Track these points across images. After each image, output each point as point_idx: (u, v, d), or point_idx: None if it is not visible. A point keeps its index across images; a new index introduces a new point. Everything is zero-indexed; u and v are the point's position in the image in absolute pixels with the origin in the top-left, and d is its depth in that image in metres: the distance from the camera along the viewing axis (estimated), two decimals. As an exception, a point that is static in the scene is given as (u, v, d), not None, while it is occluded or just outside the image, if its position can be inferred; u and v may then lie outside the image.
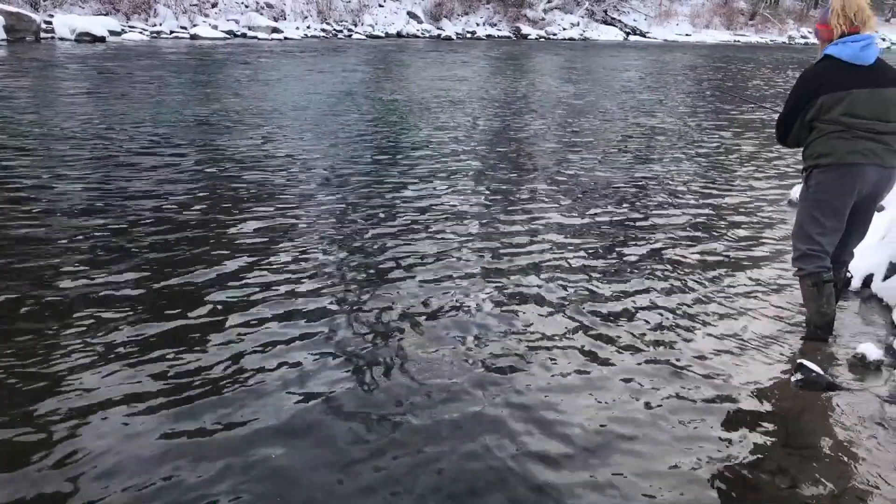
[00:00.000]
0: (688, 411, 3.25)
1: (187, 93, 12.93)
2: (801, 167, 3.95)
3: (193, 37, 28.60)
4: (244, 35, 30.45)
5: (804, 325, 4.02)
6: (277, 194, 6.44)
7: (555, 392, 3.35)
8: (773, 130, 4.09)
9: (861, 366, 3.62)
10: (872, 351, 3.63)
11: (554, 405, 3.24)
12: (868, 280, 4.71)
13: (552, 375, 3.50)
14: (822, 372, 3.44)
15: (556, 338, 3.90)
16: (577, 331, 4.00)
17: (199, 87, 13.94)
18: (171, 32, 29.06)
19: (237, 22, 31.84)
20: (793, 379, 3.45)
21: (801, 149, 3.89)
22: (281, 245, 5.13)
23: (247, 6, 33.85)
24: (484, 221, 5.91)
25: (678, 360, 3.72)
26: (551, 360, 3.65)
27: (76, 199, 6.07)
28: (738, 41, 42.51)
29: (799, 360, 3.52)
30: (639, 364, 3.66)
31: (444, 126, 10.35)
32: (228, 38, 29.26)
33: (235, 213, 5.84)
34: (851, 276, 4.64)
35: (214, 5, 32.87)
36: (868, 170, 3.66)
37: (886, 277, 4.58)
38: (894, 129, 3.66)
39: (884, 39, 41.56)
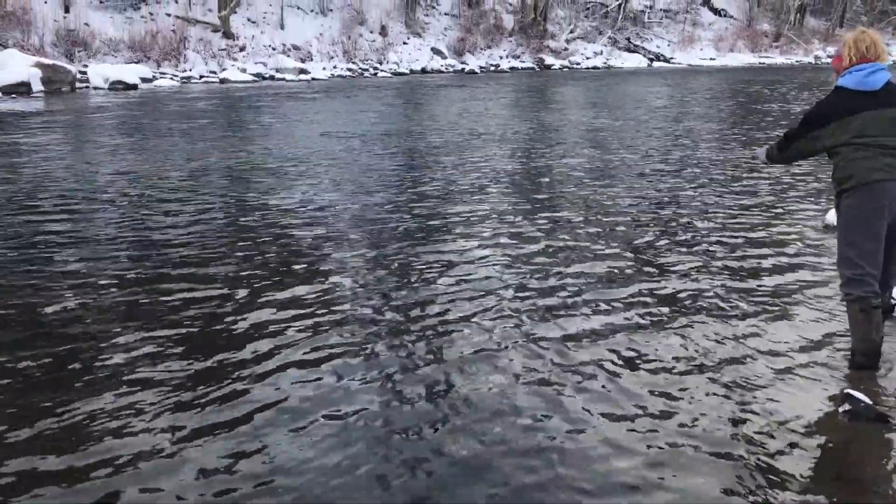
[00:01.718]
0: (734, 443, 3.18)
1: (216, 138, 13.15)
2: (833, 192, 4.07)
3: (223, 81, 29.19)
4: (272, 77, 31.02)
5: (851, 353, 3.92)
6: (306, 243, 6.40)
7: (594, 422, 3.29)
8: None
9: (910, 394, 3.52)
10: (922, 378, 3.53)
11: (595, 432, 3.19)
12: (912, 302, 4.59)
13: (591, 405, 3.45)
14: (870, 402, 3.35)
15: (593, 366, 3.85)
16: (622, 360, 3.94)
17: (229, 132, 14.19)
18: (201, 77, 29.71)
19: (265, 65, 32.49)
20: (841, 410, 3.37)
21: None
22: (312, 296, 5.08)
23: (274, 49, 34.54)
24: (516, 266, 5.80)
25: (724, 390, 3.64)
26: (588, 389, 3.60)
27: (103, 248, 6.16)
28: (763, 63, 42.37)
29: (846, 391, 3.43)
30: (684, 391, 3.60)
31: (472, 164, 10.35)
32: (257, 81, 29.83)
33: (267, 262, 5.86)
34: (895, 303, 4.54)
35: (242, 49, 33.58)
36: (893, 185, 3.73)
37: (931, 300, 4.46)
38: None
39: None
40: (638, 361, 3.98)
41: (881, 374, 3.79)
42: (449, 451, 3.12)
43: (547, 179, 9.28)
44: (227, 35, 33.63)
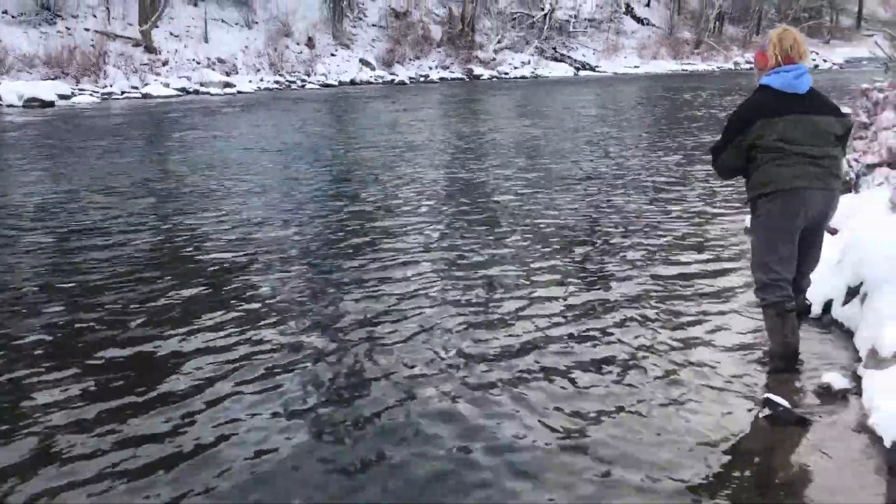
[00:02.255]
0: (652, 450, 3.18)
1: (138, 156, 12.75)
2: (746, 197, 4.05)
3: (145, 96, 28.44)
4: (196, 91, 30.36)
5: (769, 357, 3.98)
6: (233, 264, 6.20)
7: (508, 419, 3.26)
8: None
9: (827, 395, 3.60)
10: (838, 380, 3.61)
11: (509, 433, 3.15)
12: (828, 306, 4.71)
13: (511, 407, 3.41)
14: (789, 405, 3.41)
15: (522, 368, 3.82)
16: (532, 375, 3.92)
17: (152, 149, 13.82)
18: (123, 93, 28.86)
19: (189, 79, 31.77)
20: (761, 414, 3.41)
21: (734, 179, 4.15)
22: (239, 319, 4.93)
23: (198, 62, 33.84)
24: (448, 280, 5.74)
25: (646, 397, 3.66)
26: (508, 393, 3.57)
27: (20, 279, 5.89)
28: (686, 70, 43.47)
29: (766, 395, 3.48)
30: (605, 398, 3.60)
31: (404, 176, 10.27)
32: (181, 95, 29.14)
33: (194, 282, 5.69)
34: (811, 304, 4.65)
35: (165, 63, 32.79)
36: (811, 193, 3.77)
37: (845, 302, 4.58)
38: (826, 154, 3.80)
39: (825, 61, 42.83)
40: (563, 369, 3.97)
41: (799, 376, 3.86)
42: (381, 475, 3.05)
43: (479, 190, 9.27)
44: (149, 49, 32.81)
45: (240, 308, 5.02)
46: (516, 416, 3.51)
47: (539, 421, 3.46)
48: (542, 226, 7.25)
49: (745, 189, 4.04)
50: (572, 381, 3.87)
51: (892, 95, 8.26)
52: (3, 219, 7.88)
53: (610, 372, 3.97)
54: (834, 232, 5.74)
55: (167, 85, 30.43)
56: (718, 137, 4.01)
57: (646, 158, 11.71)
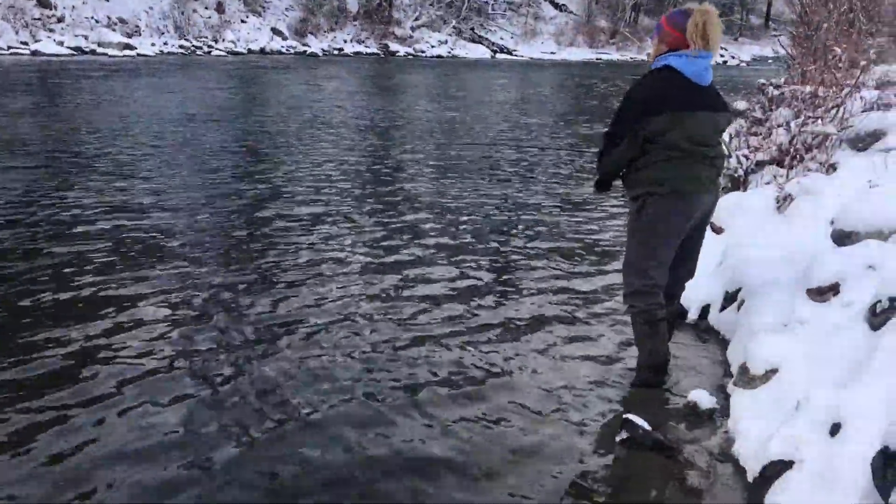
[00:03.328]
0: (497, 475, 2.82)
1: (18, 119, 11.69)
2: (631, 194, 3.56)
3: (35, 53, 26.65)
4: (93, 52, 28.67)
5: (637, 368, 3.66)
6: (125, 244, 5.59)
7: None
8: None
9: (693, 415, 3.29)
10: (704, 399, 3.31)
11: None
12: (705, 311, 4.45)
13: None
14: (649, 428, 3.08)
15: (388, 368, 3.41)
16: (389, 370, 3.51)
17: (34, 112, 12.71)
18: (10, 48, 26.96)
19: (86, 38, 29.98)
20: (617, 438, 3.07)
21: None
22: (137, 306, 4.44)
23: (97, 21, 31.97)
24: (355, 266, 5.34)
25: (487, 411, 3.29)
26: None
27: None
28: (601, 59, 43.83)
29: (625, 416, 3.14)
30: (462, 407, 3.22)
31: (311, 154, 9.67)
32: (75, 55, 27.46)
33: (86, 265, 5.09)
34: (687, 310, 4.39)
35: (61, 20, 30.85)
36: (704, 197, 3.45)
37: (723, 308, 4.33)
38: (719, 153, 3.52)
39: (733, 57, 43.89)
40: (427, 376, 3.57)
41: (666, 392, 3.56)
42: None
43: (389, 175, 8.73)
44: (43, 4, 30.77)
45: (126, 302, 4.47)
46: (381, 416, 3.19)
47: (379, 433, 3.05)
48: (445, 216, 6.82)
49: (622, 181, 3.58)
50: (432, 390, 3.48)
51: (787, 92, 8.17)
52: None
53: (459, 384, 3.58)
54: (720, 231, 5.53)
55: (61, 43, 28.64)
56: (610, 125, 3.45)
57: (552, 148, 11.41)
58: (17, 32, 28.71)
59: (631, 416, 3.12)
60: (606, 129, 3.47)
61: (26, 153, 8.77)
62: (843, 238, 3.89)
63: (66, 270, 4.90)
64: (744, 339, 3.65)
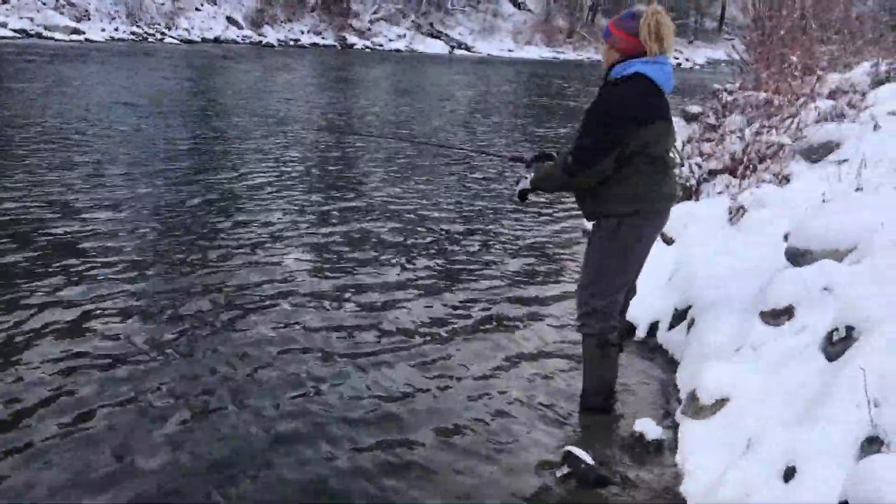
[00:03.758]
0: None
1: None
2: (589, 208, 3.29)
3: (-25, 35, 25.64)
4: (39, 35, 27.69)
5: (583, 392, 3.45)
6: (64, 246, 5.26)
7: None
8: None
9: (640, 447, 3.09)
10: (651, 429, 3.11)
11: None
12: (654, 328, 4.27)
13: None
14: (592, 462, 2.87)
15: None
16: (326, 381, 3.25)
17: None
18: (-52, 29, 25.93)
19: (31, 20, 28.95)
20: (558, 473, 2.86)
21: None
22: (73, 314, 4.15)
23: (44, 3, 30.90)
24: (302, 263, 5.19)
25: (412, 445, 3.04)
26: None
27: None
28: (558, 58, 43.88)
29: (566, 449, 2.93)
30: (377, 433, 2.96)
31: (263, 150, 9.34)
32: (19, 38, 26.48)
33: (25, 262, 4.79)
34: (634, 326, 4.21)
35: (6, 1, 29.75)
36: (669, 212, 3.33)
37: (672, 326, 4.15)
38: (676, 163, 3.39)
39: (687, 60, 44.30)
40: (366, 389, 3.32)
41: (610, 420, 3.35)
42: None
43: (341, 173, 8.44)
44: (-13, -16, 29.65)
45: (75, 288, 4.34)
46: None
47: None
48: (393, 216, 6.59)
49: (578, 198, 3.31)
50: (353, 416, 3.22)
51: (741, 98, 8.08)
52: None
53: (382, 408, 3.34)
54: (670, 241, 5.36)
55: (4, 25, 27.60)
56: (585, 139, 3.09)
57: (506, 147, 11.20)
58: (-43, 13, 27.62)
59: (573, 449, 2.90)
60: (580, 143, 3.10)
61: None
62: (797, 257, 3.72)
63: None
64: (693, 363, 3.47)
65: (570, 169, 3.13)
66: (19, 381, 3.34)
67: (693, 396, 3.13)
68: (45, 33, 28.07)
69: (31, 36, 27.49)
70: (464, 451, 3.02)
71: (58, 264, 4.78)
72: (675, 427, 3.18)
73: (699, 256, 4.53)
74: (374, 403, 3.35)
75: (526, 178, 3.43)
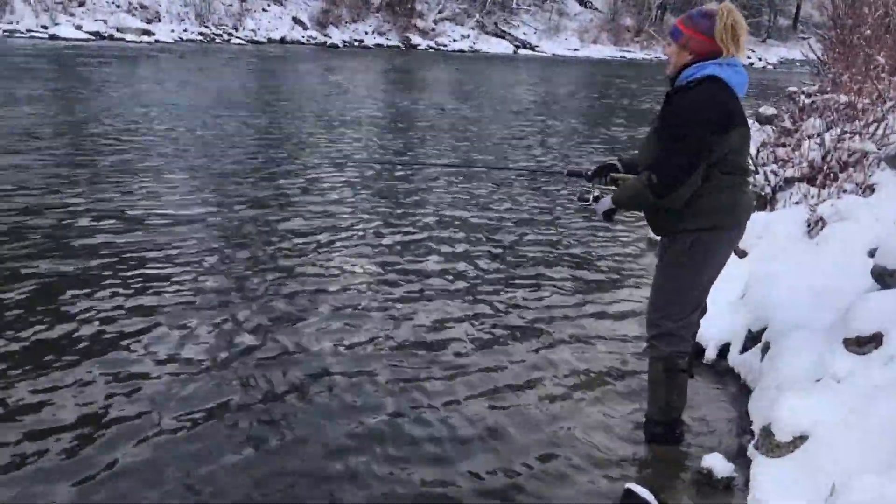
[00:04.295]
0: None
1: (36, 107, 11.32)
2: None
3: (52, 37, 26.48)
4: (111, 37, 28.46)
5: (646, 420, 3.21)
6: (140, 243, 5.34)
7: None
8: None
9: (707, 485, 2.85)
10: (720, 465, 2.87)
11: None
12: (724, 351, 3.99)
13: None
14: (653, 501, 2.64)
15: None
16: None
17: (53, 99, 12.36)
18: (28, 31, 26.80)
19: (105, 22, 29.77)
20: (618, 514, 2.64)
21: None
22: (150, 307, 4.27)
23: (118, 6, 31.73)
24: (368, 262, 5.21)
25: (466, 472, 2.84)
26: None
27: None
28: (625, 57, 43.11)
29: (626, 486, 2.70)
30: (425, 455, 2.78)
31: (329, 151, 9.32)
32: (93, 40, 27.25)
33: (85, 267, 4.80)
34: (703, 348, 3.94)
35: (81, 4, 30.65)
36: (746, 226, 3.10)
37: (745, 349, 3.86)
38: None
39: (760, 59, 43.02)
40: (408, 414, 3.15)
41: (677, 452, 3.11)
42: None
43: (405, 175, 8.31)
44: (64, -13, 30.59)
45: (141, 298, 4.34)
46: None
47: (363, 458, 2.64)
48: (455, 222, 6.48)
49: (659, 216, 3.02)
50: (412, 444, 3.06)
51: (819, 100, 7.65)
52: None
53: (443, 436, 3.16)
54: (743, 254, 5.06)
55: (79, 27, 28.46)
56: (669, 155, 2.82)
57: (573, 151, 10.91)
58: (37, 16, 28.54)
59: (633, 487, 2.68)
60: (665, 161, 2.83)
61: (35, 145, 8.38)
62: (885, 276, 3.40)
63: (63, 278, 4.55)
64: (768, 393, 3.20)
65: (657, 190, 2.85)
66: (90, 385, 3.33)
67: (768, 431, 2.86)
68: (117, 35, 28.81)
69: (104, 38, 28.26)
70: (514, 486, 2.81)
71: (123, 270, 4.77)
72: (747, 464, 2.92)
73: (775, 273, 4.22)
74: (421, 427, 3.18)
75: (604, 195, 3.16)
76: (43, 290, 4.34)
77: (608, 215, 3.15)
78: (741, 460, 2.97)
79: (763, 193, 5.91)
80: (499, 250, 5.82)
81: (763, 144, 7.82)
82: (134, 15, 31.40)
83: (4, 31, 26.06)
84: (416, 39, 39.79)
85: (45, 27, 27.72)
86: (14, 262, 4.72)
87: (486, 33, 43.82)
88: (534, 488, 2.80)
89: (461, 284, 4.96)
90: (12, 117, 9.92)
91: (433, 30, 41.82)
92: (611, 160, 3.34)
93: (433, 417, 3.25)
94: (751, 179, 3.37)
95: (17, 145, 8.27)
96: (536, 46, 43.30)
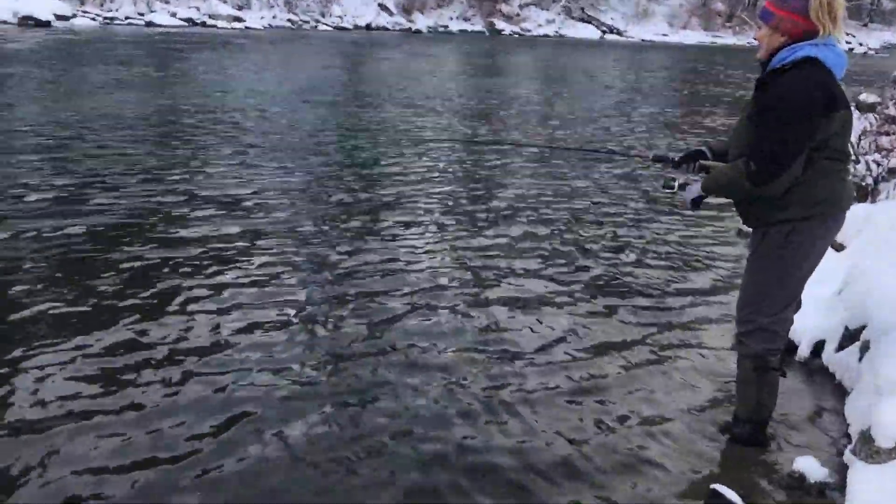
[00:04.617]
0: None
1: (137, 91, 11.85)
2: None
3: (149, 24, 27.43)
4: (203, 24, 29.30)
5: (733, 420, 3.08)
6: (237, 222, 5.51)
7: None
8: None
9: (799, 490, 2.70)
10: (814, 469, 2.72)
11: None
12: (818, 348, 3.79)
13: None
14: (740, 503, 2.52)
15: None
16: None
17: (152, 84, 12.90)
18: (126, 18, 27.83)
19: (198, 9, 30.66)
20: (702, 515, 2.53)
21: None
22: (247, 282, 4.41)
23: (211, -7, 32.61)
24: (460, 255, 5.11)
25: (543, 473, 2.77)
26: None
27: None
28: (716, 43, 41.84)
29: (713, 487, 2.59)
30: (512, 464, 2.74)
31: (413, 136, 9.39)
32: (186, 27, 28.11)
33: (194, 224, 5.17)
34: (796, 345, 3.76)
35: (176, -9, 31.63)
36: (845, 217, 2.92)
37: (841, 348, 3.66)
38: None
39: (861, 44, 41.08)
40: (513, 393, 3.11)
41: (766, 453, 2.97)
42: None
43: (491, 164, 8.26)
44: (161, -24, 31.60)
45: (237, 277, 4.46)
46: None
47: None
48: (547, 210, 6.41)
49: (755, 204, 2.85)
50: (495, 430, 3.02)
51: (928, 89, 7.21)
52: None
53: (513, 428, 3.10)
54: (840, 248, 4.81)
55: (174, 14, 29.39)
56: (768, 142, 2.66)
57: (664, 140, 10.62)
58: (134, 4, 29.60)
59: (720, 488, 2.56)
60: (763, 148, 2.67)
61: (129, 129, 8.71)
62: None
63: (160, 262, 4.64)
64: (867, 395, 3.01)
65: (756, 178, 2.70)
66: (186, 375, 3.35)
67: (867, 436, 2.70)
68: (209, 21, 29.63)
69: (197, 24, 29.11)
70: (599, 486, 2.73)
71: (219, 254, 4.84)
72: (842, 469, 2.76)
73: (876, 268, 3.98)
74: (505, 420, 3.12)
75: (687, 181, 3.06)
76: (137, 274, 4.44)
77: (696, 203, 3.01)
78: (836, 465, 2.81)
79: (864, 184, 5.61)
80: (582, 235, 5.71)
81: (864, 133, 7.43)
82: (225, 2, 32.22)
83: (105, 18, 27.13)
84: (500, 24, 39.57)
85: (141, 14, 28.74)
86: (110, 246, 4.84)
87: (572, 18, 43.21)
88: (618, 484, 2.72)
89: (541, 267, 4.89)
90: (107, 105, 10.30)
91: (518, 15, 41.48)
92: (699, 147, 3.21)
93: (518, 410, 3.18)
94: (850, 168, 3.16)
95: (111, 132, 8.58)
96: (624, 32, 42.47)
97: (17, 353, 3.37)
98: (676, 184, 3.07)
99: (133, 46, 19.04)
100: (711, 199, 3.01)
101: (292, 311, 4.01)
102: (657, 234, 5.92)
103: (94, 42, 19.37)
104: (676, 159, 3.19)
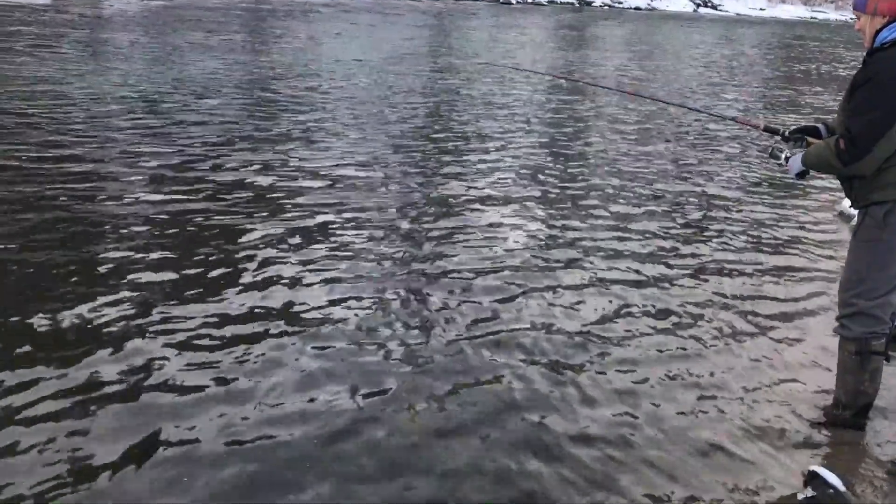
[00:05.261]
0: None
1: (228, 58, 12.30)
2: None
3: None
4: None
5: (833, 404, 3.04)
6: (320, 191, 5.61)
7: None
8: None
9: (899, 477, 2.65)
10: (918, 458, 2.66)
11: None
12: (926, 337, 3.67)
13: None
14: (842, 488, 2.50)
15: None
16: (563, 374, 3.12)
17: (243, 52, 13.29)
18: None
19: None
20: (800, 496, 2.52)
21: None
22: (327, 253, 4.46)
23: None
24: (540, 236, 5.04)
25: (646, 451, 2.79)
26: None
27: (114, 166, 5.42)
28: (816, 18, 40.07)
29: (812, 468, 2.57)
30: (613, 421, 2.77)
31: (503, 111, 9.35)
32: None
33: (278, 215, 5.08)
34: (903, 332, 3.64)
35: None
36: None
37: (950, 337, 3.53)
38: None
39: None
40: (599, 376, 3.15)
41: (868, 438, 2.92)
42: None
43: (572, 135, 8.24)
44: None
45: (323, 243, 4.58)
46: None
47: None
48: (631, 187, 6.33)
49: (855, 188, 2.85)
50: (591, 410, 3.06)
51: None
52: (98, 105, 7.52)
53: (625, 423, 3.11)
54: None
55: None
56: (856, 119, 2.68)
57: (758, 115, 10.33)
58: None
59: (819, 470, 2.55)
60: (852, 126, 2.69)
61: (229, 97, 9.02)
62: None
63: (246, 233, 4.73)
64: (979, 386, 2.92)
65: (843, 156, 2.73)
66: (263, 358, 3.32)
67: (978, 427, 2.63)
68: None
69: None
70: (702, 466, 2.73)
71: (306, 228, 4.95)
72: (947, 459, 2.70)
73: None
74: (603, 412, 3.13)
75: (794, 153, 3.05)
76: (238, 246, 4.59)
77: (801, 175, 3.06)
78: (941, 455, 2.75)
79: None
80: (676, 208, 5.66)
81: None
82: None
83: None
84: (590, -4, 38.78)
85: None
86: (197, 216, 4.94)
87: (666, -10, 41.99)
88: (715, 465, 2.72)
89: (630, 244, 4.87)
90: (191, 75, 10.62)
91: (609, -14, 40.56)
92: (815, 124, 3.17)
93: (609, 397, 3.19)
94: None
95: (215, 98, 8.86)
96: (719, 5, 41.06)
97: (136, 318, 3.46)
98: (784, 156, 3.12)
99: (217, 14, 19.42)
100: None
101: (386, 288, 4.00)
102: (748, 209, 5.81)
103: (182, 8, 19.87)
104: (787, 133, 3.18)
